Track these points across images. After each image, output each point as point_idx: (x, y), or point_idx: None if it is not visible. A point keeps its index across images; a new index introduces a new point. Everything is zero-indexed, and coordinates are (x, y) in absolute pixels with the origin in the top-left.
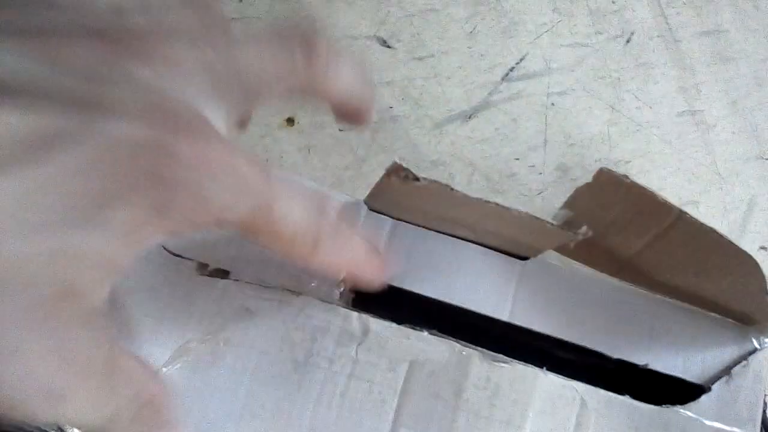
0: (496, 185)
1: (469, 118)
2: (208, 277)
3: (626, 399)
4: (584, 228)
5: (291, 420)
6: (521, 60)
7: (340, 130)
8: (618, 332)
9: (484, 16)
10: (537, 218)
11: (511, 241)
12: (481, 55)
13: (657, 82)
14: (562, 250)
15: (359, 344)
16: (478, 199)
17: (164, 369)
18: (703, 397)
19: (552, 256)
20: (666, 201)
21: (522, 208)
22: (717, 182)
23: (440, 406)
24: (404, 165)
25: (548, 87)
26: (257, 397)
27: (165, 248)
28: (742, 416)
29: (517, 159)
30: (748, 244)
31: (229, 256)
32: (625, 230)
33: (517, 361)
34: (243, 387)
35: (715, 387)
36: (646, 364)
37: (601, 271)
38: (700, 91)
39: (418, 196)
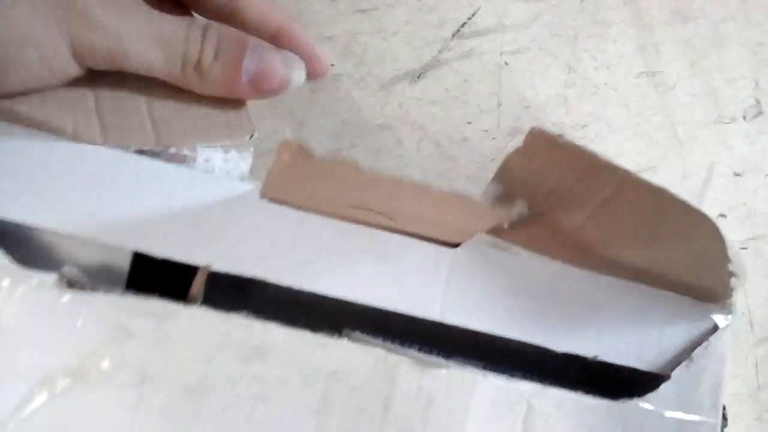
0: (447, 151)
1: (418, 77)
2: (72, 293)
3: (578, 396)
4: (519, 204)
5: None
6: (473, 15)
7: None
8: (563, 322)
9: None
10: (464, 197)
11: (436, 224)
12: (430, 9)
13: (615, 41)
14: (495, 231)
15: (265, 359)
16: (391, 177)
17: (23, 408)
18: (662, 386)
19: (485, 240)
20: (609, 162)
21: (473, 176)
22: (676, 147)
23: (365, 424)
24: (293, 140)
25: (502, 45)
26: None
27: (12, 259)
28: (703, 403)
29: (469, 123)
30: (707, 212)
31: (94, 265)
32: (565, 200)
33: (453, 363)
34: (124, 425)
35: (674, 374)
36: (596, 356)
37: (541, 252)
38: (659, 51)
39: (320, 178)
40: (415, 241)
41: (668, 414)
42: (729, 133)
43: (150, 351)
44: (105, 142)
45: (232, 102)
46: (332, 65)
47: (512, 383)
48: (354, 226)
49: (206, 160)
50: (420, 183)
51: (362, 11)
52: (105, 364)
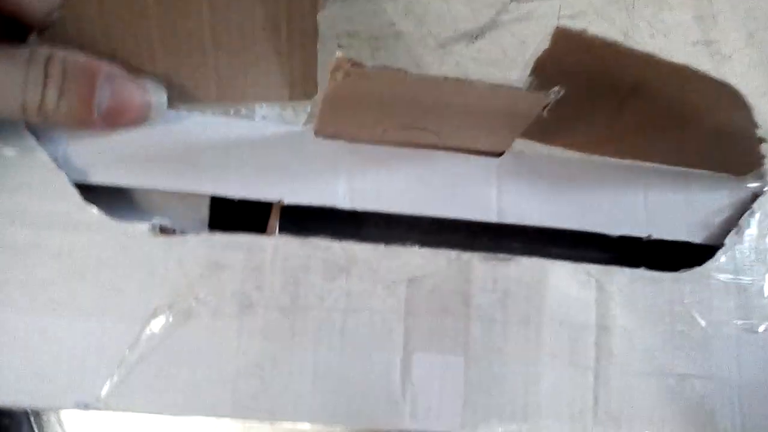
0: None
1: (476, 38)
2: (165, 237)
3: (642, 271)
4: (556, 88)
5: (292, 371)
6: None
7: (339, 46)
8: (612, 209)
9: None
10: (504, 85)
11: (479, 127)
12: None
13: (672, 9)
14: (536, 136)
15: (348, 274)
16: (436, 77)
17: (138, 342)
18: (719, 254)
19: (527, 146)
20: (631, 49)
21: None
22: None
23: (450, 320)
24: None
25: (560, 9)
26: (249, 354)
27: (107, 215)
28: (755, 265)
29: None
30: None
31: (180, 215)
32: (598, 96)
33: (519, 255)
34: (230, 346)
35: (727, 241)
36: (650, 235)
37: (579, 150)
38: (717, 21)
39: (369, 104)
40: (462, 156)
41: (724, 278)
42: None
43: (241, 280)
44: (170, 103)
45: (301, 61)
46: (393, 24)
47: (579, 266)
48: (406, 150)
49: (263, 117)
50: (462, 79)
51: None
52: (204, 296)
